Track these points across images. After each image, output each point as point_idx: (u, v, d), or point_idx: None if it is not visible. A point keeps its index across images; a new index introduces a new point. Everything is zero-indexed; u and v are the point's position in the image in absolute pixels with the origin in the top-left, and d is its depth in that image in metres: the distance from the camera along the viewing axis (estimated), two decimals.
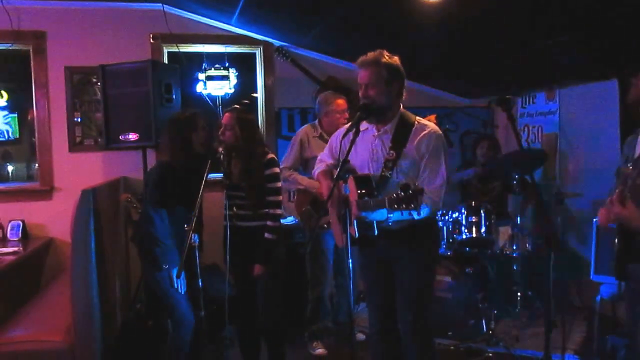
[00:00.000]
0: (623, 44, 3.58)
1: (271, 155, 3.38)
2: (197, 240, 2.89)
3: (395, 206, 2.32)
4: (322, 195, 3.74)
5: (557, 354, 2.99)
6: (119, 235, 4.43)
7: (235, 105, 3.42)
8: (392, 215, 2.48)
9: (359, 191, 2.55)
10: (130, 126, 4.29)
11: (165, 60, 5.12)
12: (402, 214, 2.37)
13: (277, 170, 3.38)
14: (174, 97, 4.43)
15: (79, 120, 4.95)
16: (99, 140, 4.88)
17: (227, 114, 3.33)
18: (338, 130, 3.06)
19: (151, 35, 5.03)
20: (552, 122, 5.27)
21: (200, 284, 3.01)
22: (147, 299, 4.17)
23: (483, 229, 4.31)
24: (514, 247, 4.50)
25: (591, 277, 3.83)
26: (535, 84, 5.32)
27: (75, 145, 4.95)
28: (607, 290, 3.66)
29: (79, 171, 4.85)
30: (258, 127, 3.51)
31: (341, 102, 4.05)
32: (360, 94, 2.70)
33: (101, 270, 3.31)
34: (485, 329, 4.10)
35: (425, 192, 2.44)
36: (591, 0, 3.03)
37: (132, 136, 4.29)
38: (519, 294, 4.49)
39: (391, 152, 2.68)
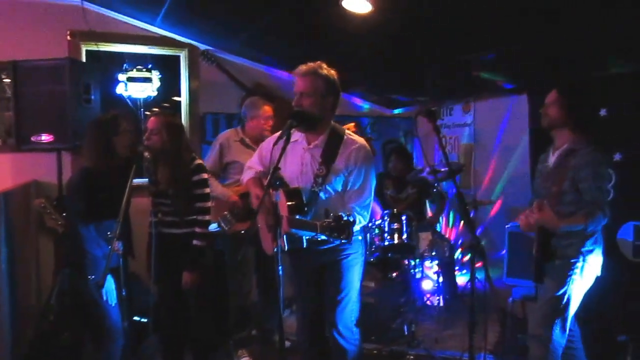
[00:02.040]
0: (532, 60, 3.84)
1: (199, 161, 3.32)
2: (122, 247, 2.78)
3: (327, 233, 2.36)
4: (237, 204, 3.78)
5: (477, 354, 3.14)
6: (31, 243, 4.16)
7: (161, 109, 3.33)
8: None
9: (289, 205, 2.56)
10: (44, 127, 4.04)
11: (84, 59, 4.88)
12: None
13: (205, 176, 3.32)
14: (93, 97, 4.23)
15: None
16: (8, 140, 4.56)
17: (153, 119, 3.24)
18: (268, 138, 3.05)
19: (69, 32, 4.79)
20: (468, 133, 5.56)
21: (124, 293, 2.90)
22: (61, 309, 3.93)
23: (405, 235, 4.46)
24: (434, 253, 4.68)
25: (504, 279, 4.06)
26: (453, 96, 5.60)
27: None
28: (518, 292, 3.90)
29: None
30: (185, 132, 3.43)
31: (268, 108, 4.05)
32: (294, 102, 2.70)
33: (12, 279, 3.10)
34: (407, 332, 4.24)
35: (353, 207, 2.51)
36: (503, 21, 3.24)
37: (46, 137, 4.04)
38: (438, 297, 4.68)
39: (321, 167, 2.70)
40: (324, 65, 2.70)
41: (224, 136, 4.10)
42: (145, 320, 3.64)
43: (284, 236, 2.60)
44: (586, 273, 2.81)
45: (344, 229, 2.32)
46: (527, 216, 2.76)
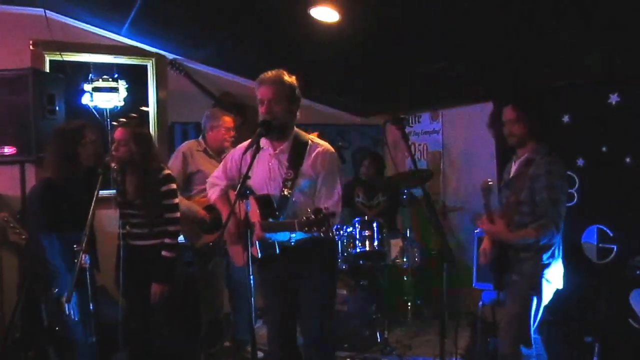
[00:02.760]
0: (496, 70, 3.93)
1: (168, 171, 3.28)
2: (89, 261, 2.72)
3: (306, 229, 2.36)
4: (206, 219, 3.79)
5: (448, 359, 3.17)
6: None
7: (128, 120, 3.28)
8: (294, 235, 2.53)
9: (260, 211, 2.55)
10: (6, 139, 3.92)
11: (47, 69, 4.79)
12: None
13: (174, 186, 3.29)
14: (57, 108, 4.13)
15: None
16: None
17: (120, 129, 3.19)
18: (234, 150, 3.03)
19: (31, 42, 4.68)
20: (436, 141, 5.64)
21: (92, 307, 2.83)
22: (26, 326, 3.82)
23: (376, 242, 4.48)
24: (405, 259, 4.72)
25: (473, 284, 4.11)
26: (421, 104, 5.67)
27: None
28: (487, 296, 3.95)
29: None
30: (153, 142, 3.39)
31: (228, 119, 4.04)
32: (263, 110, 2.69)
33: None
34: (379, 339, 4.25)
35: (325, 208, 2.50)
36: (469, 32, 3.31)
37: (8, 150, 3.93)
38: (409, 303, 4.71)
39: (289, 171, 2.71)
40: (286, 72, 2.73)
41: (186, 146, 4.07)
42: (114, 334, 3.56)
43: (257, 243, 2.60)
44: (545, 289, 2.83)
45: (323, 222, 2.32)
46: (482, 223, 2.76)
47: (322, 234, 2.34)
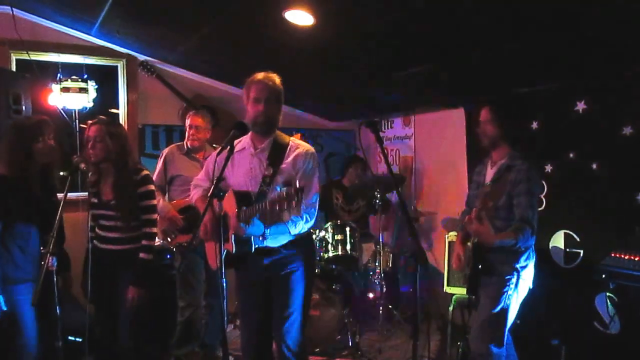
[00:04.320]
0: (467, 75, 3.99)
1: (145, 172, 3.23)
2: (56, 263, 2.64)
3: (277, 206, 2.37)
4: (175, 219, 3.82)
5: None
6: None
7: (101, 118, 3.21)
8: (268, 230, 2.57)
9: (237, 204, 2.58)
10: None
11: (14, 68, 4.66)
12: (278, 227, 2.47)
13: (151, 187, 3.24)
14: (24, 108, 4.03)
15: None
16: None
17: (94, 127, 3.11)
18: (214, 152, 3.02)
19: None
20: (408, 146, 5.69)
21: (58, 311, 2.74)
22: None
23: (349, 247, 4.49)
24: (377, 263, 4.73)
25: (444, 288, 4.15)
26: (393, 109, 5.72)
27: None
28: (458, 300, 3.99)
29: None
30: (129, 139, 3.32)
31: (195, 118, 4.08)
32: (261, 108, 2.75)
33: None
34: (351, 343, 4.25)
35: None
36: (441, 38, 3.35)
37: None
38: (380, 308, 4.72)
39: (269, 168, 2.75)
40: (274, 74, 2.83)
41: (169, 149, 4.13)
42: (79, 339, 3.47)
43: (232, 238, 2.60)
44: (521, 287, 2.93)
45: (292, 196, 2.33)
46: (470, 221, 2.79)
47: (293, 205, 2.34)
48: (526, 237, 2.79)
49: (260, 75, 2.79)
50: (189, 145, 4.06)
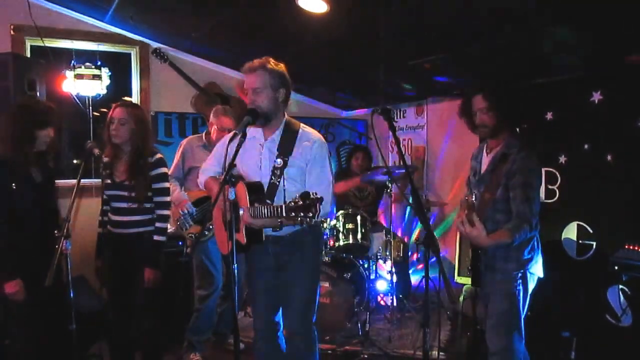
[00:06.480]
0: (481, 65, 3.95)
1: (160, 155, 3.24)
2: (69, 246, 2.65)
3: (293, 214, 2.32)
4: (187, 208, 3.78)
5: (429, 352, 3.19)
6: None
7: (125, 99, 3.21)
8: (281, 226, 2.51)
9: (249, 198, 2.55)
10: None
11: (28, 54, 4.70)
12: (295, 223, 2.37)
13: (165, 170, 3.26)
14: (38, 94, 4.06)
15: None
16: None
17: (119, 109, 3.11)
18: (222, 139, 3.01)
19: (12, 27, 4.60)
20: (421, 136, 5.66)
21: (72, 294, 2.77)
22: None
23: (359, 236, 4.50)
24: (387, 253, 4.73)
25: (455, 278, 4.14)
26: (406, 99, 5.68)
27: None
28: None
29: None
30: (150, 124, 3.33)
31: (226, 120, 3.91)
32: (247, 99, 2.70)
33: None
34: (360, 332, 4.26)
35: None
36: (452, 26, 3.32)
37: None
38: (391, 297, 4.73)
39: (278, 159, 2.71)
40: (272, 60, 2.71)
41: (187, 142, 4.05)
42: (92, 324, 3.51)
43: (243, 229, 2.59)
44: (529, 281, 2.80)
45: (310, 207, 2.29)
46: (461, 223, 2.63)
47: (308, 219, 2.30)
48: (523, 234, 2.62)
49: (246, 65, 2.70)
50: (212, 140, 3.94)
